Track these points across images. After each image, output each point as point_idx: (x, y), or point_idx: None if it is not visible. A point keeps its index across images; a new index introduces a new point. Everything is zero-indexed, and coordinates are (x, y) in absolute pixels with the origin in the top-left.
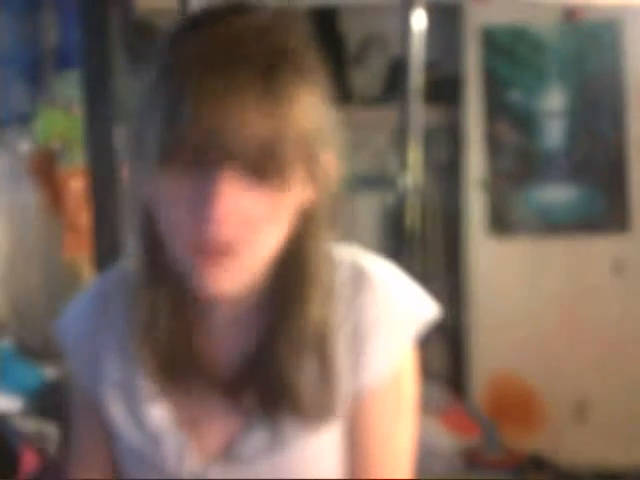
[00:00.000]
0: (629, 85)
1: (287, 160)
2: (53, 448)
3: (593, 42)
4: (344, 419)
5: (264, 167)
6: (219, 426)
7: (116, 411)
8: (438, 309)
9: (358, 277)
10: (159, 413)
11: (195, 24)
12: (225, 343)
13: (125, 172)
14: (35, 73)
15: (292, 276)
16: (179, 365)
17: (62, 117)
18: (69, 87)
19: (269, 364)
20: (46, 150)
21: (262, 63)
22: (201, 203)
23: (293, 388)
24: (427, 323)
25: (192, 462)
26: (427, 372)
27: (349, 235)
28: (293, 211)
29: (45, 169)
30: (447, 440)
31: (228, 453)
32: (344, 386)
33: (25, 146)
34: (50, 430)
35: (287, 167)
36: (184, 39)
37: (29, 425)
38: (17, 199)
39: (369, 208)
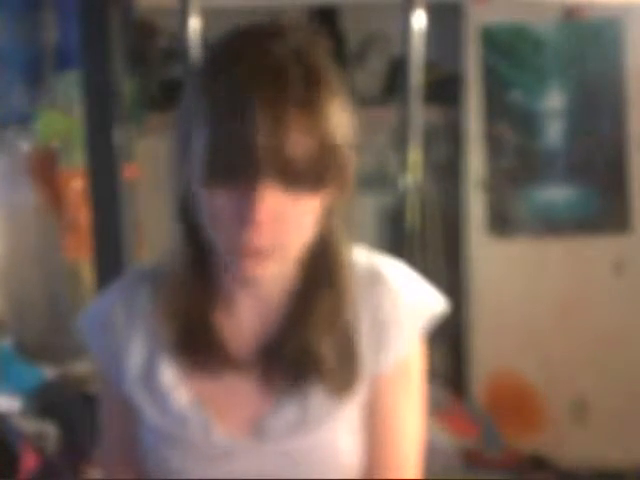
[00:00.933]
0: (630, 85)
1: (323, 172)
2: (53, 448)
3: (593, 41)
4: (362, 403)
5: (303, 179)
6: (246, 404)
7: (141, 400)
8: (445, 302)
9: (374, 275)
10: (184, 398)
11: (233, 48)
12: (251, 324)
13: (172, 177)
14: (35, 73)
15: (320, 265)
16: (204, 346)
17: (62, 117)
18: (69, 87)
19: (297, 341)
20: (46, 150)
21: (301, 84)
22: (244, 212)
23: (319, 362)
24: (436, 315)
25: (219, 439)
26: (427, 372)
27: (349, 235)
28: (320, 211)
29: (45, 169)
30: (447, 440)
31: (256, 430)
32: (365, 368)
33: (25, 146)
34: (50, 430)
35: (323, 178)
36: (225, 64)
37: (29, 425)
38: (17, 199)
39: (369, 208)
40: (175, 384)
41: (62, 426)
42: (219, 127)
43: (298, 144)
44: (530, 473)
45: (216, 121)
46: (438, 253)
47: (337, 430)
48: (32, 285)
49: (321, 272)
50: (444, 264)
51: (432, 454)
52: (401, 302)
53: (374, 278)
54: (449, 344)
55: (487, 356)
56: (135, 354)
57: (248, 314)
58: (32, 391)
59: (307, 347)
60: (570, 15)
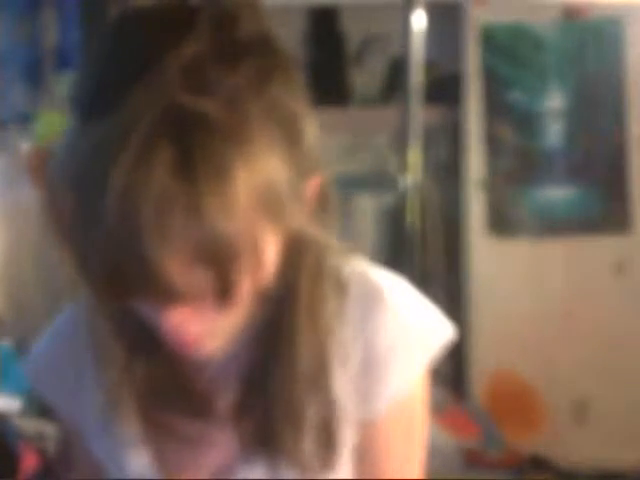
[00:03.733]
0: (630, 84)
1: (240, 271)
2: (53, 448)
3: (594, 41)
4: (353, 448)
5: (216, 295)
6: (215, 458)
7: (99, 452)
8: (452, 329)
9: (370, 296)
10: (140, 461)
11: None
12: (215, 379)
13: None
14: (35, 73)
15: (283, 310)
16: (163, 405)
17: (62, 117)
18: (69, 87)
19: (262, 399)
20: (46, 150)
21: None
22: (168, 329)
23: (296, 436)
24: (442, 346)
25: None
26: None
27: (349, 235)
28: (284, 246)
29: (45, 169)
30: (447, 440)
31: None
32: (354, 411)
33: (25, 146)
34: (50, 430)
35: (242, 277)
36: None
37: (29, 425)
38: (17, 199)
39: (369, 208)
40: (132, 443)
41: (62, 426)
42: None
43: (181, 258)
44: (530, 473)
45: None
46: (438, 253)
47: None
48: (32, 285)
49: (283, 320)
50: (444, 264)
51: (432, 454)
52: (402, 330)
53: (370, 299)
54: (449, 344)
55: (487, 356)
56: (88, 404)
57: (213, 369)
58: (32, 391)
59: (273, 411)
60: (570, 15)
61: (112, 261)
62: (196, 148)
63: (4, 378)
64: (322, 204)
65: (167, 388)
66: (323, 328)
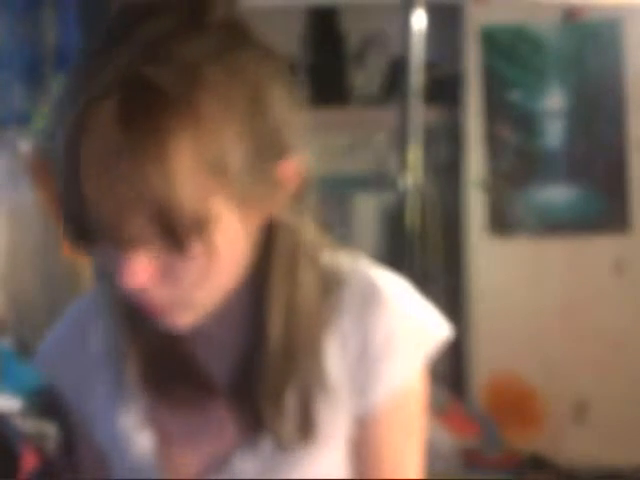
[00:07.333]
0: (629, 85)
1: (189, 223)
2: (53, 448)
3: (593, 42)
4: (350, 440)
5: (168, 239)
6: (218, 438)
7: (103, 437)
8: (449, 328)
9: (368, 292)
10: (143, 445)
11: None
12: (215, 354)
13: None
14: (35, 73)
15: (259, 294)
16: (165, 380)
17: None
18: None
19: (254, 379)
20: (46, 150)
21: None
22: (123, 276)
23: (275, 413)
24: (439, 343)
25: None
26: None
27: (349, 235)
28: (247, 239)
29: (45, 169)
30: (447, 440)
31: (224, 468)
32: (349, 405)
33: (25, 146)
34: (50, 430)
35: (189, 231)
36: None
37: (29, 425)
38: (17, 199)
39: (369, 208)
40: (139, 426)
41: (62, 426)
42: (62, 178)
43: (128, 203)
44: (530, 473)
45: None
46: (438, 253)
47: (316, 472)
48: (32, 285)
49: (268, 306)
50: (444, 264)
51: (432, 454)
52: (399, 325)
53: (368, 297)
54: (449, 344)
55: (487, 356)
56: (96, 390)
57: (212, 342)
58: (32, 391)
59: (262, 393)
60: (570, 16)
61: (68, 205)
62: (142, 110)
63: (4, 378)
64: (298, 192)
65: (168, 365)
66: (300, 312)
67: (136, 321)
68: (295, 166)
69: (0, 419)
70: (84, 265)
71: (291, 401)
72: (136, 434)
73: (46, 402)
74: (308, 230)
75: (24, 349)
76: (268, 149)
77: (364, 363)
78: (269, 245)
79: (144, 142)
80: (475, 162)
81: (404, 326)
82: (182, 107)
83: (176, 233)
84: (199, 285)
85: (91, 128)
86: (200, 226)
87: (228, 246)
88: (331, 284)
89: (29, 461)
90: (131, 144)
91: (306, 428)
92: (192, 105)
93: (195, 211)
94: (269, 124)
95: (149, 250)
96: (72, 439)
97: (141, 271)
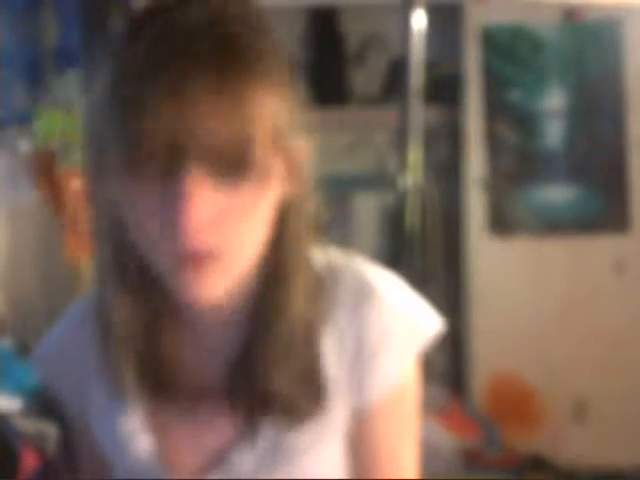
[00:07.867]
0: (629, 85)
1: (253, 159)
2: (53, 448)
3: (593, 42)
4: (346, 436)
5: (231, 166)
6: (215, 437)
7: (103, 440)
8: (441, 323)
9: (362, 289)
10: (143, 447)
11: (144, 21)
12: (210, 353)
13: (87, 182)
14: (35, 73)
15: (274, 278)
16: (163, 380)
17: (62, 117)
18: (69, 87)
19: (253, 371)
20: (46, 150)
21: (213, 59)
22: (173, 211)
23: (277, 395)
24: (431, 338)
25: None
26: (427, 372)
27: (349, 235)
28: (271, 209)
29: (45, 169)
30: (447, 440)
31: (222, 466)
32: (347, 400)
33: (25, 146)
34: (50, 430)
35: (255, 165)
36: (133, 39)
37: (29, 425)
38: (17, 199)
39: (369, 208)
40: (139, 428)
41: (62, 426)
42: (125, 110)
43: (211, 125)
44: (530, 473)
45: (123, 102)
46: (438, 253)
47: (314, 468)
48: (32, 285)
49: (274, 289)
50: (444, 264)
51: (432, 454)
52: (393, 320)
53: (362, 293)
54: (449, 344)
55: (487, 356)
56: (94, 393)
57: (209, 341)
58: (32, 391)
59: (262, 381)
60: (570, 16)
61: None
62: (235, 71)
63: (4, 378)
64: (303, 177)
65: (165, 365)
66: (305, 297)
67: (136, 321)
68: (305, 152)
69: (0, 419)
70: (84, 265)
71: (295, 370)
72: (135, 435)
73: (46, 402)
74: (307, 228)
75: (24, 349)
76: (295, 125)
77: (360, 359)
78: (279, 228)
79: (234, 87)
80: (475, 162)
81: (398, 322)
82: (259, 68)
83: (249, 153)
84: (239, 229)
85: (191, 61)
86: (286, 160)
87: (268, 199)
88: (325, 281)
89: (29, 461)
90: (224, 86)
91: (316, 392)
92: (265, 69)
93: (264, 146)
94: (295, 103)
95: (211, 184)
96: (72, 439)
97: (202, 207)
